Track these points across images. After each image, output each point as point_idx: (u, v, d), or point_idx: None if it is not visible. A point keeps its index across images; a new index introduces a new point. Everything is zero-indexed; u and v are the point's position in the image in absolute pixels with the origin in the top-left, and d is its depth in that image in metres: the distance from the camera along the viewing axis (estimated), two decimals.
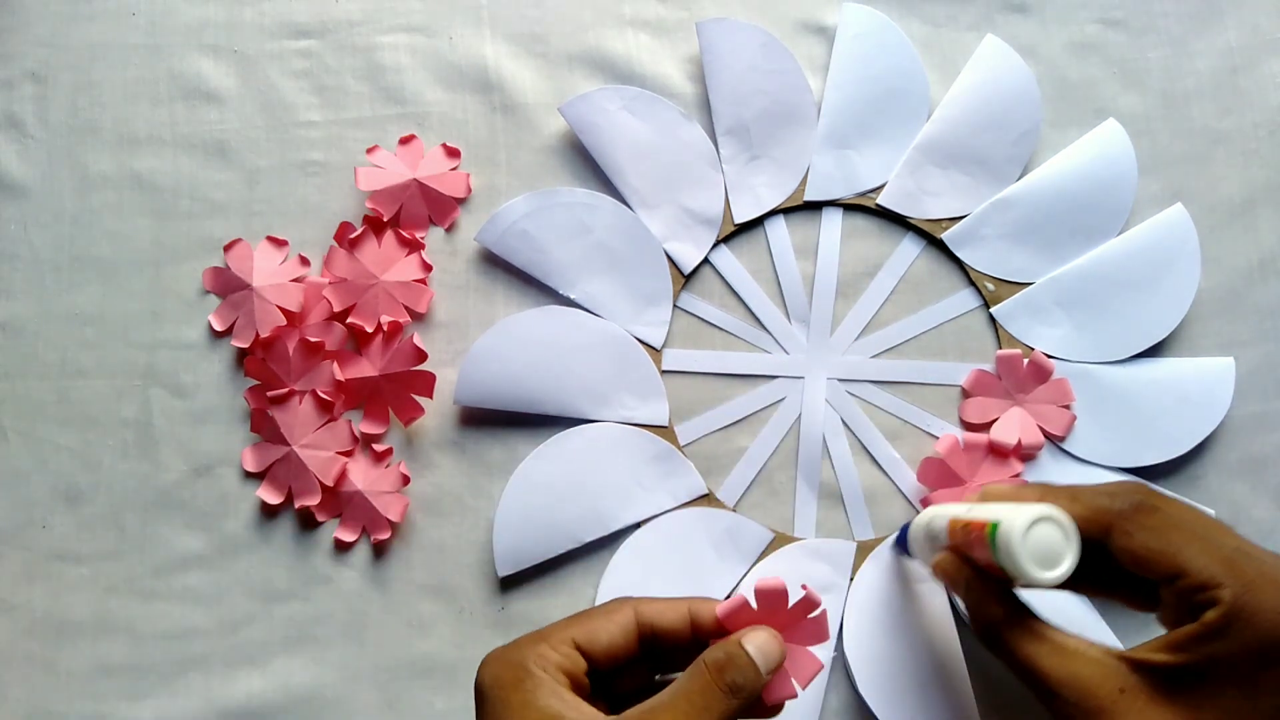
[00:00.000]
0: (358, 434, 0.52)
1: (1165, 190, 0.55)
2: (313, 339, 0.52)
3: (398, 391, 0.52)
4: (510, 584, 0.52)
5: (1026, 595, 0.39)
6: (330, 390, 0.52)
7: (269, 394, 0.52)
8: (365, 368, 0.52)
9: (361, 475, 0.52)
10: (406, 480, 0.52)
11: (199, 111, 0.56)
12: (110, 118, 0.56)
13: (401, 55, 0.56)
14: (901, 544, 0.49)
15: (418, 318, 0.54)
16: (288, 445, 0.52)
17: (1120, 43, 0.57)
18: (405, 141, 0.55)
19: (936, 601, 0.50)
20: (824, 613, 0.38)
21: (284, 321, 0.53)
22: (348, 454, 0.52)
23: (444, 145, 0.55)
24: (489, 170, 0.56)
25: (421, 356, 0.52)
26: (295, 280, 0.53)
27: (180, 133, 0.56)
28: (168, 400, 0.53)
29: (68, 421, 0.53)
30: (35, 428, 0.53)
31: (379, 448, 0.52)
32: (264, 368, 0.53)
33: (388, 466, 0.52)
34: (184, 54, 0.57)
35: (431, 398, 0.52)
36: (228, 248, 0.54)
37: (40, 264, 0.55)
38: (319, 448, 0.52)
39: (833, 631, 0.50)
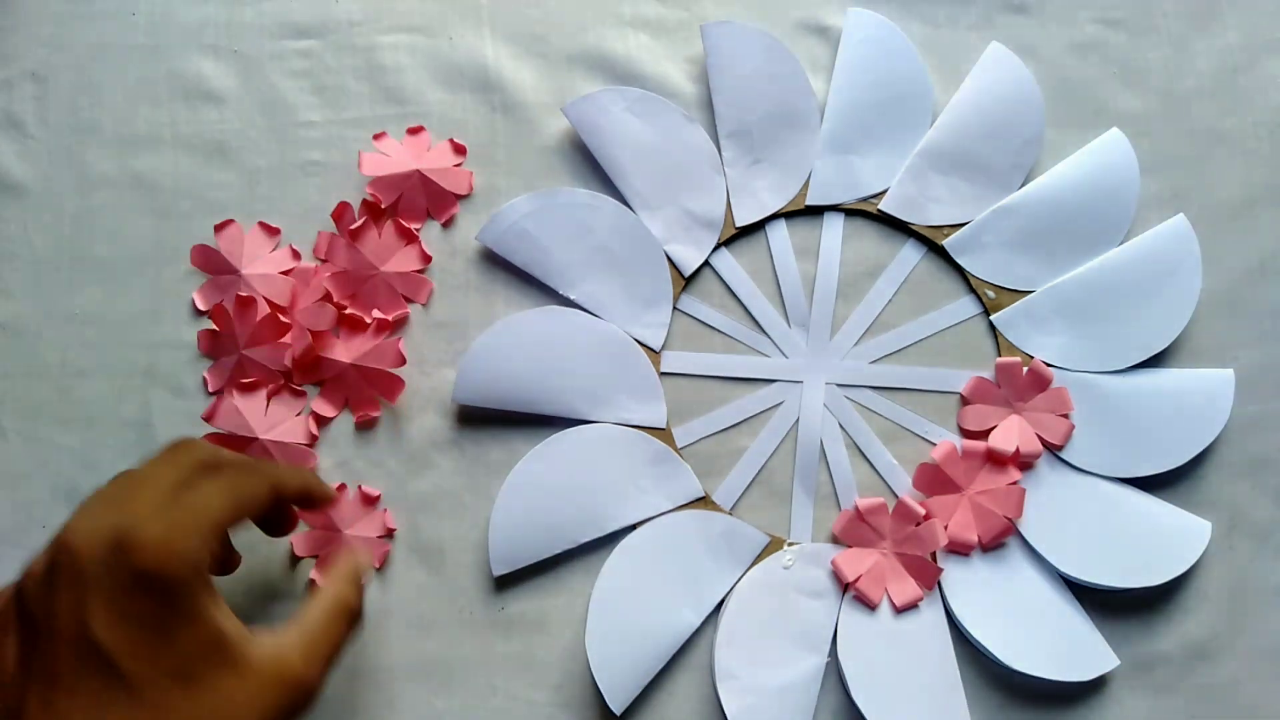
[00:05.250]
0: (312, 427, 0.52)
1: (1165, 190, 0.55)
2: (284, 319, 0.52)
3: (362, 386, 0.52)
4: (510, 584, 0.52)
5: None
6: (283, 366, 0.52)
7: (241, 381, 0.52)
8: (340, 352, 0.52)
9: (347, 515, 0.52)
10: (391, 532, 0.52)
11: (199, 111, 0.56)
12: (110, 118, 0.56)
13: (401, 55, 0.56)
14: None
15: (411, 305, 0.54)
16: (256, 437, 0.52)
17: (1120, 43, 0.57)
18: (414, 132, 0.55)
19: (931, 607, 0.50)
20: None
21: (269, 312, 0.52)
22: (310, 443, 0.52)
23: (451, 140, 0.55)
24: (489, 170, 0.55)
25: (400, 360, 0.52)
26: (284, 273, 0.53)
27: (180, 133, 0.56)
28: (168, 400, 0.53)
29: (68, 421, 0.53)
30: (35, 428, 0.53)
31: (370, 491, 0.52)
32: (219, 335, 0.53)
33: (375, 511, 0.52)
34: (184, 54, 0.56)
35: (393, 402, 0.52)
36: (219, 228, 0.54)
37: (40, 264, 0.55)
38: (280, 430, 0.52)
39: (827, 636, 0.50)
